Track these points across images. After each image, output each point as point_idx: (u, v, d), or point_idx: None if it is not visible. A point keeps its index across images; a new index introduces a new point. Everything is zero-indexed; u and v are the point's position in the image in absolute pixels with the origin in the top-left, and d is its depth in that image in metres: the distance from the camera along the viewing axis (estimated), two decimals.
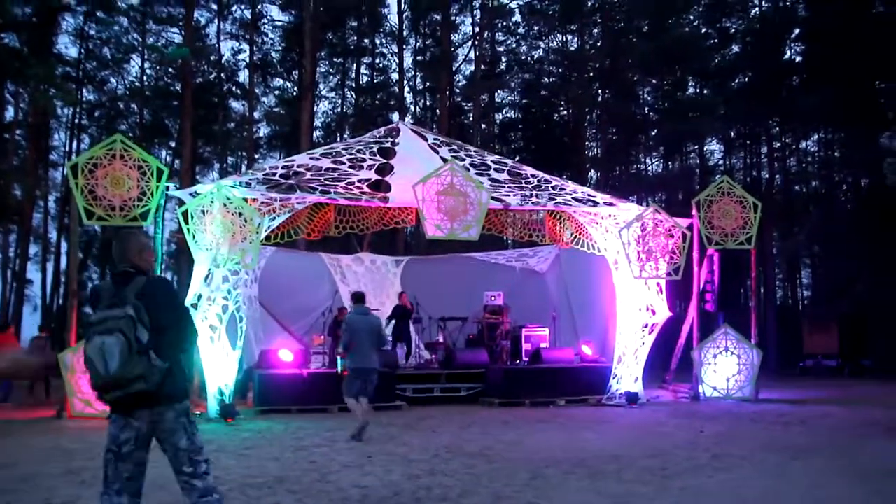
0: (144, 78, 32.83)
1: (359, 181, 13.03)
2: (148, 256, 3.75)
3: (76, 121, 31.04)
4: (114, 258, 3.75)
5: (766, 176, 32.18)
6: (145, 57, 31.40)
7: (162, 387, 3.45)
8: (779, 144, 32.09)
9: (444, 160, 13.66)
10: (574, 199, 13.73)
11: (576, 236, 14.94)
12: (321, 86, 34.28)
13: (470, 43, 34.02)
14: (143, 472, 3.58)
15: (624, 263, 13.11)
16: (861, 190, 28.30)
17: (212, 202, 11.19)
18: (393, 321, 15.40)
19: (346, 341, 8.91)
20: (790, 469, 6.83)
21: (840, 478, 6.45)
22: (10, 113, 27.65)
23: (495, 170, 14.30)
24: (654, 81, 33.51)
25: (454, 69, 33.91)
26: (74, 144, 30.84)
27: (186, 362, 3.73)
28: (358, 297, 9.54)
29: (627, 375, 13.18)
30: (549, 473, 6.58)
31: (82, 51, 29.92)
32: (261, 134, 34.99)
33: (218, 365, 11.35)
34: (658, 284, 13.16)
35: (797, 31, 30.53)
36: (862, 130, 25.92)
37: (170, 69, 31.13)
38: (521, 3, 33.29)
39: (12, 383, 15.23)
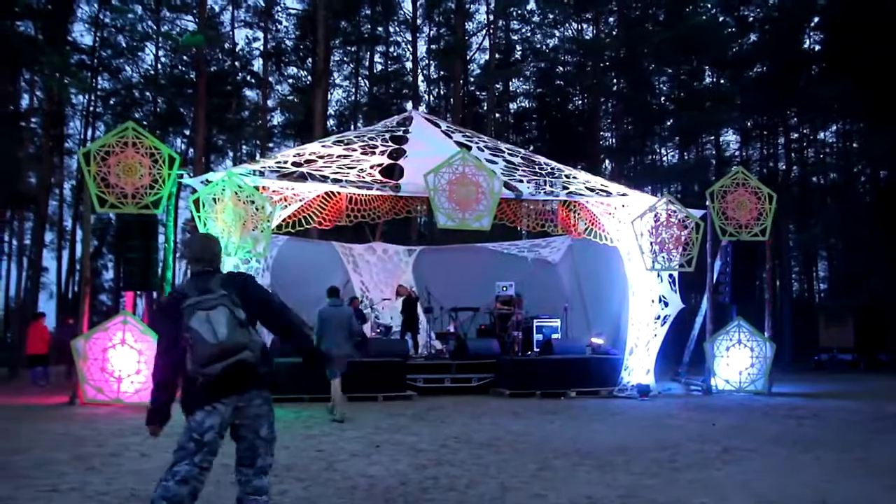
0: (159, 66, 32.92)
1: (371, 167, 12.99)
2: (220, 256, 3.88)
3: (91, 109, 31.18)
4: (192, 260, 3.82)
5: (783, 167, 31.86)
6: (160, 45, 31.45)
7: (260, 364, 3.51)
8: (796, 135, 31.75)
9: (460, 144, 13.61)
10: (587, 188, 13.64)
11: (588, 227, 14.85)
12: (335, 74, 34.29)
13: (484, 31, 33.86)
14: (211, 464, 3.56)
15: (637, 255, 13.02)
16: (880, 182, 27.93)
17: (223, 190, 11.20)
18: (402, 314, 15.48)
19: (317, 331, 9.61)
20: (801, 462, 6.75)
21: (851, 472, 6.37)
22: (25, 101, 27.79)
23: (510, 154, 14.25)
24: (670, 71, 33.17)
25: (468, 58, 33.75)
26: (89, 132, 30.99)
27: (302, 335, 3.91)
28: (331, 292, 10.14)
29: (639, 367, 13.11)
30: (558, 465, 6.54)
31: (97, 39, 30.01)
32: (274, 122, 35.06)
33: None
34: (671, 276, 13.06)
35: (816, 20, 30.10)
36: (881, 122, 25.53)
37: (184, 57, 31.16)
38: None
39: (48, 369, 15.64)
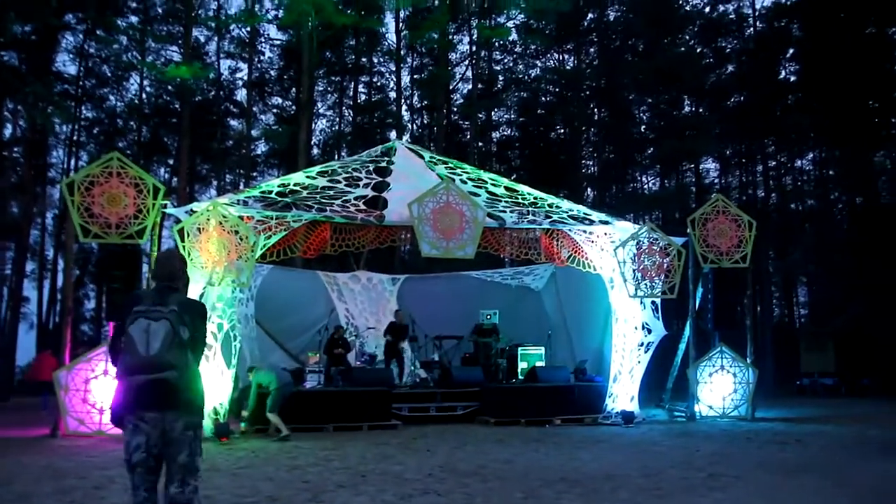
0: (143, 95, 32.99)
1: (355, 199, 13.07)
2: (183, 278, 4.08)
3: (74, 138, 31.13)
4: (157, 274, 3.94)
5: (762, 194, 32.37)
6: (144, 75, 31.54)
7: (186, 388, 3.55)
8: (774, 163, 32.31)
9: (441, 178, 13.73)
10: (570, 217, 13.78)
11: (571, 255, 14.97)
12: (319, 104, 34.49)
13: (467, 62, 34.26)
14: (154, 483, 3.59)
15: (619, 282, 13.14)
16: (856, 208, 28.43)
17: (208, 220, 11.22)
18: (387, 338, 15.40)
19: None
20: (785, 488, 6.81)
21: (836, 498, 6.44)
22: (8, 130, 27.72)
23: (492, 184, 14.39)
24: (649, 100, 33.74)
25: (451, 88, 34.10)
26: (72, 162, 30.93)
27: (201, 380, 3.83)
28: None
29: (623, 394, 13.17)
30: (543, 493, 6.56)
31: (81, 68, 30.09)
32: (258, 152, 35.12)
33: (212, 384, 11.31)
34: (654, 303, 13.18)
35: (791, 51, 30.84)
36: (856, 149, 26.10)
37: (168, 87, 31.24)
38: (517, 22, 33.53)
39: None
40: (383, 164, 14.71)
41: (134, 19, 30.34)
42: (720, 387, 13.84)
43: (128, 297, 3.95)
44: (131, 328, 3.54)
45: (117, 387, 3.66)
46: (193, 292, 11.31)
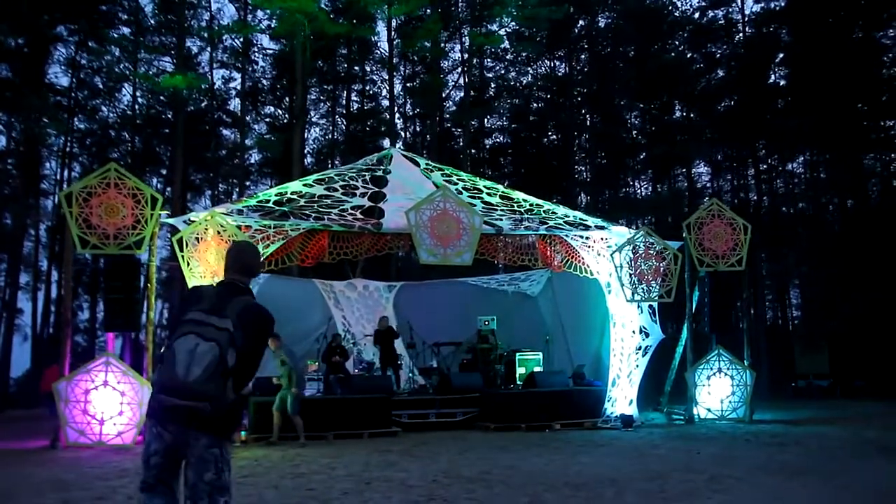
0: (136, 106, 32.95)
1: (352, 207, 13.11)
2: (256, 273, 3.69)
3: (67, 149, 31.07)
4: (229, 265, 3.61)
5: (754, 198, 32.55)
6: (137, 85, 31.53)
7: (215, 417, 3.26)
8: (765, 167, 32.52)
9: (437, 185, 13.79)
10: (566, 222, 13.85)
11: (568, 260, 15.04)
12: (312, 113, 34.53)
13: (459, 69, 34.39)
14: (168, 481, 3.40)
15: (616, 286, 13.22)
16: (848, 211, 28.64)
17: (206, 230, 11.25)
18: (377, 347, 15.44)
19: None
20: (787, 490, 6.87)
21: (836, 498, 6.51)
22: (1, 142, 27.67)
23: (487, 193, 14.44)
24: (641, 106, 33.94)
25: (444, 95, 34.21)
26: (65, 173, 30.86)
27: (242, 399, 3.60)
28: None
29: (622, 398, 13.23)
30: (549, 498, 6.59)
31: (74, 80, 30.06)
32: (252, 161, 35.13)
33: None
34: (651, 307, 13.26)
35: (781, 55, 31.09)
36: (846, 152, 26.32)
37: (161, 97, 31.24)
38: (509, 30, 33.71)
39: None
40: (379, 174, 14.76)
41: (126, 30, 30.38)
42: (718, 389, 13.93)
43: (189, 291, 3.68)
44: (178, 343, 3.23)
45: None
46: None
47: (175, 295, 23.68)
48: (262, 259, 3.77)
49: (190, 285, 11.22)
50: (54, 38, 27.19)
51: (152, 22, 30.66)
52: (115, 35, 29.28)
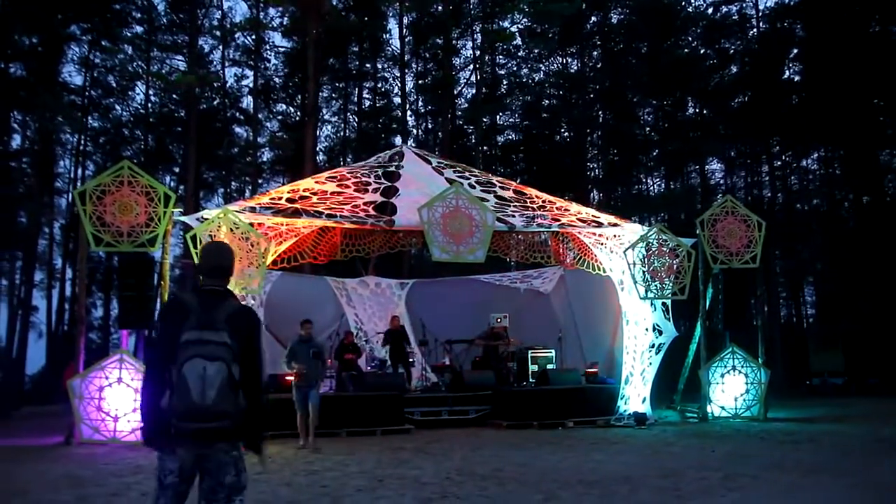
0: (149, 105, 33.12)
1: (364, 204, 13.10)
2: (233, 271, 3.63)
3: (81, 148, 31.26)
4: (206, 271, 3.55)
5: (768, 194, 32.32)
6: (150, 84, 31.68)
7: (233, 429, 3.30)
8: (779, 163, 32.27)
9: (450, 182, 13.77)
10: (578, 220, 13.80)
11: (580, 257, 15.01)
12: (324, 110, 34.55)
13: (471, 66, 34.33)
14: (182, 502, 3.44)
15: (629, 284, 13.15)
16: (863, 207, 28.40)
17: (219, 227, 11.28)
18: (388, 345, 15.45)
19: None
20: (802, 488, 6.82)
21: (852, 496, 6.45)
22: (16, 141, 27.86)
23: (501, 188, 14.41)
24: (654, 102, 33.76)
25: (455, 92, 34.16)
26: (79, 171, 31.06)
27: (261, 403, 3.53)
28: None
29: (635, 396, 13.17)
30: (563, 495, 6.57)
31: (87, 79, 30.23)
32: (264, 159, 35.22)
33: None
34: (664, 304, 13.18)
35: (795, 51, 30.84)
36: (861, 148, 26.09)
37: (174, 95, 31.37)
38: (521, 26, 33.61)
39: None
40: (391, 169, 14.76)
41: (139, 29, 30.54)
42: (732, 387, 13.84)
43: (171, 303, 3.62)
44: (186, 369, 3.22)
45: (153, 410, 3.38)
46: None
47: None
48: (234, 259, 3.67)
49: (201, 283, 11.22)
50: (68, 37, 27.32)
51: (164, 20, 30.80)
52: (128, 34, 29.45)
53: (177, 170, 33.33)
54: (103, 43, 29.07)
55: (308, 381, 10.27)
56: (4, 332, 27.19)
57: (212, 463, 3.36)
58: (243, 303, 3.75)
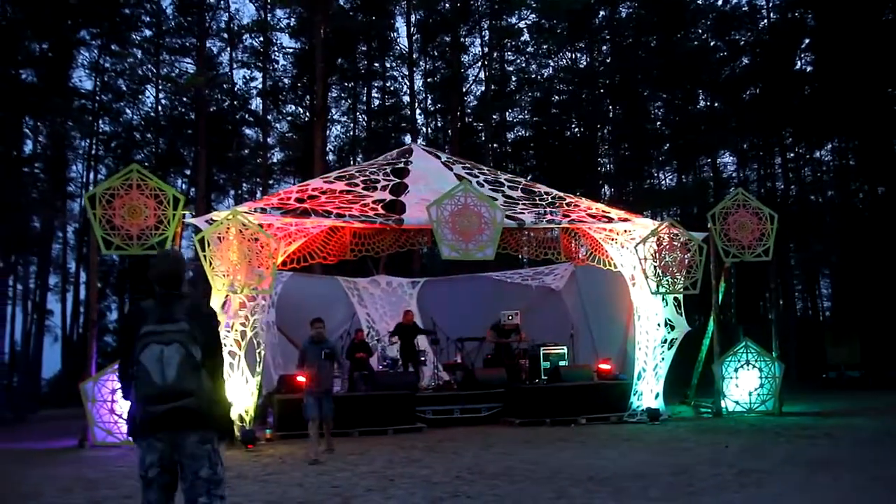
0: (159, 108, 33.27)
1: (374, 202, 13.07)
2: (185, 278, 3.74)
3: (93, 152, 31.45)
4: (159, 279, 3.63)
5: (781, 187, 32.04)
6: (160, 87, 31.84)
7: (204, 410, 3.40)
8: (792, 155, 31.98)
9: (459, 178, 13.72)
10: (589, 215, 13.71)
11: (591, 253, 14.92)
12: (333, 110, 34.58)
13: (479, 63, 34.25)
14: (170, 497, 3.48)
15: (641, 279, 13.05)
16: (878, 198, 28.08)
17: (228, 228, 11.29)
18: (394, 339, 15.42)
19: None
20: (817, 483, 6.72)
21: (870, 491, 6.35)
22: (28, 146, 28.09)
23: (509, 187, 14.35)
24: (664, 96, 33.54)
25: (465, 90, 34.10)
26: (91, 176, 31.25)
27: (223, 391, 3.65)
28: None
29: (648, 392, 13.07)
30: (574, 493, 6.51)
31: (98, 83, 30.41)
32: (274, 160, 35.31)
33: (237, 391, 11.37)
34: (676, 299, 13.07)
35: (807, 41, 30.53)
36: (875, 138, 25.79)
37: (184, 98, 31.50)
38: (529, 22, 33.51)
39: None
40: (400, 166, 14.72)
41: (148, 33, 30.67)
42: (746, 382, 13.71)
43: (131, 311, 3.71)
44: (143, 356, 3.33)
45: (131, 408, 3.49)
46: (215, 301, 11.39)
47: (200, 293, 23.83)
48: (185, 266, 3.75)
49: (213, 284, 11.26)
50: (78, 42, 27.51)
51: (173, 23, 30.92)
52: (137, 38, 29.58)
53: (188, 172, 33.49)
54: (113, 47, 29.24)
55: (322, 387, 9.50)
56: (20, 336, 27.45)
57: (186, 456, 3.42)
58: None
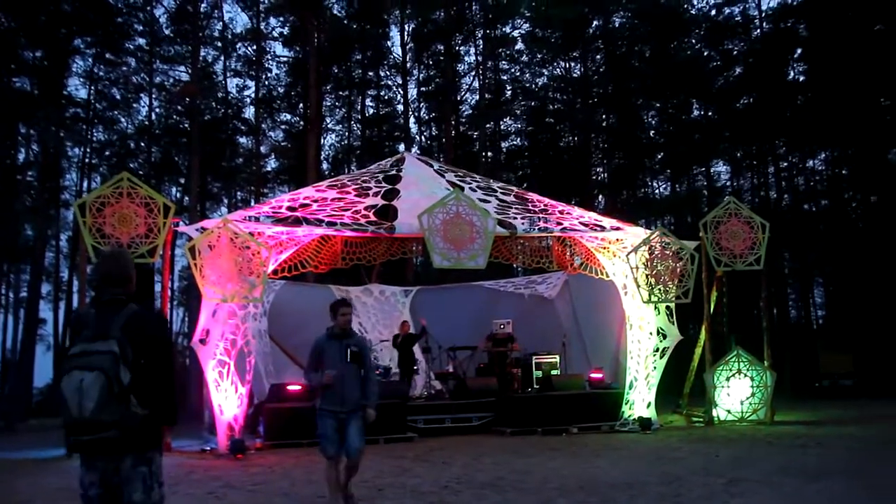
0: (153, 116, 33.22)
1: (365, 208, 13.04)
2: (134, 280, 3.47)
3: (86, 160, 31.38)
4: (101, 281, 3.39)
5: (775, 196, 32.13)
6: (154, 96, 31.82)
7: (132, 437, 3.17)
8: (786, 164, 32.09)
9: (452, 184, 13.71)
10: (581, 224, 13.71)
11: (584, 262, 14.92)
12: (327, 119, 34.60)
13: (474, 72, 34.32)
14: None
15: (633, 288, 13.05)
16: (871, 207, 28.17)
17: (219, 237, 11.25)
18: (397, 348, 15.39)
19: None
20: (808, 492, 6.70)
21: (859, 500, 6.33)
22: (22, 154, 28.02)
23: (502, 193, 14.35)
24: (658, 105, 33.65)
25: (459, 99, 34.17)
26: (86, 184, 31.14)
27: (166, 407, 3.34)
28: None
29: (640, 401, 13.05)
30: (561, 502, 6.48)
31: (92, 91, 30.38)
32: (268, 168, 35.28)
33: (227, 400, 11.32)
34: (668, 308, 13.07)
35: (799, 51, 30.69)
36: (868, 148, 25.91)
37: (178, 107, 31.48)
38: (523, 31, 33.62)
39: None
40: (392, 173, 14.72)
41: (142, 41, 30.68)
42: (738, 391, 13.69)
43: (73, 319, 3.52)
44: (63, 385, 3.09)
45: None
46: (206, 310, 11.35)
47: (192, 301, 23.71)
48: (134, 267, 3.56)
49: (203, 293, 11.23)
50: (72, 50, 27.49)
51: (167, 32, 30.94)
52: (131, 46, 29.57)
53: (182, 181, 33.41)
54: (107, 56, 29.22)
55: (345, 404, 6.18)
56: (11, 344, 27.31)
57: (120, 479, 3.25)
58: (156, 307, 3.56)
